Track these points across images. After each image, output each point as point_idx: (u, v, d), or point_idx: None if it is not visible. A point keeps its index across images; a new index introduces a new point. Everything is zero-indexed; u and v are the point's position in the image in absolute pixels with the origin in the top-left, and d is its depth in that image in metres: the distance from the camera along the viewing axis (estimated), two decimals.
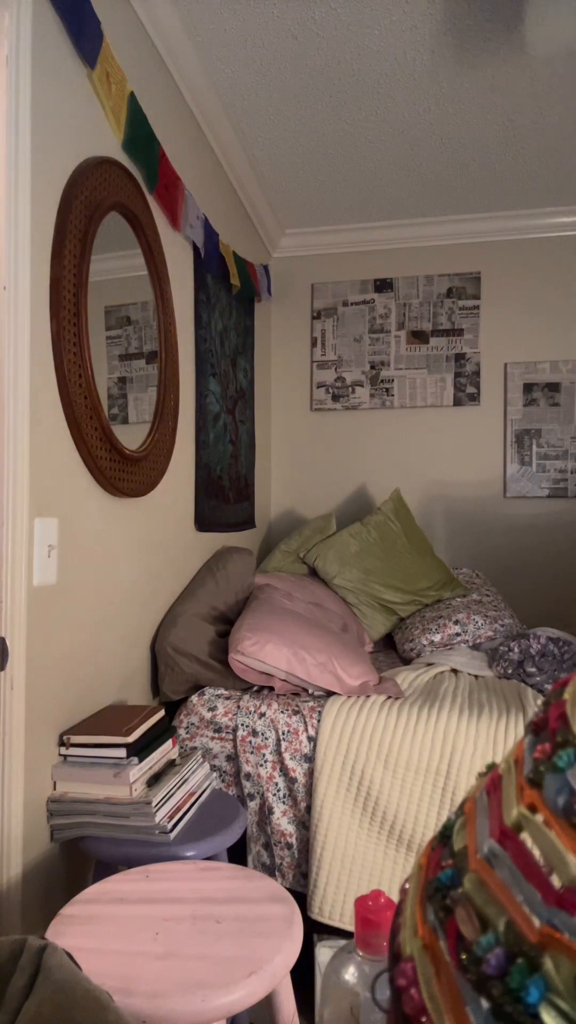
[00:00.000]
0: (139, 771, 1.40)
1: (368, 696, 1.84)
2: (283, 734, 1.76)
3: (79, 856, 1.55)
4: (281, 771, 1.75)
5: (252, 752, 1.77)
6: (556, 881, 0.28)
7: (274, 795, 1.74)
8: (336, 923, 1.65)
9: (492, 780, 0.35)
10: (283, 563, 2.77)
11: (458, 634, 2.42)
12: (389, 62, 2.11)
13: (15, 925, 1.31)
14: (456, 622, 2.45)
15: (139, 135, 1.79)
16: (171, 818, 1.37)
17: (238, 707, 1.83)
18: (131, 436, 1.76)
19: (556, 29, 1.90)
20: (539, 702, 1.81)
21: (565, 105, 2.32)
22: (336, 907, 1.65)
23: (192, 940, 1.00)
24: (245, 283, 2.70)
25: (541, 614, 3.13)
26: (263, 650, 1.84)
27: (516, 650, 2.18)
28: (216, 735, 1.82)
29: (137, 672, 1.86)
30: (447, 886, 0.33)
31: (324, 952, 1.45)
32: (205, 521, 2.36)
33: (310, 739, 1.74)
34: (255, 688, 1.93)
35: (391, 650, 2.70)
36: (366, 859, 1.66)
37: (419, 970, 0.32)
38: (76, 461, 1.53)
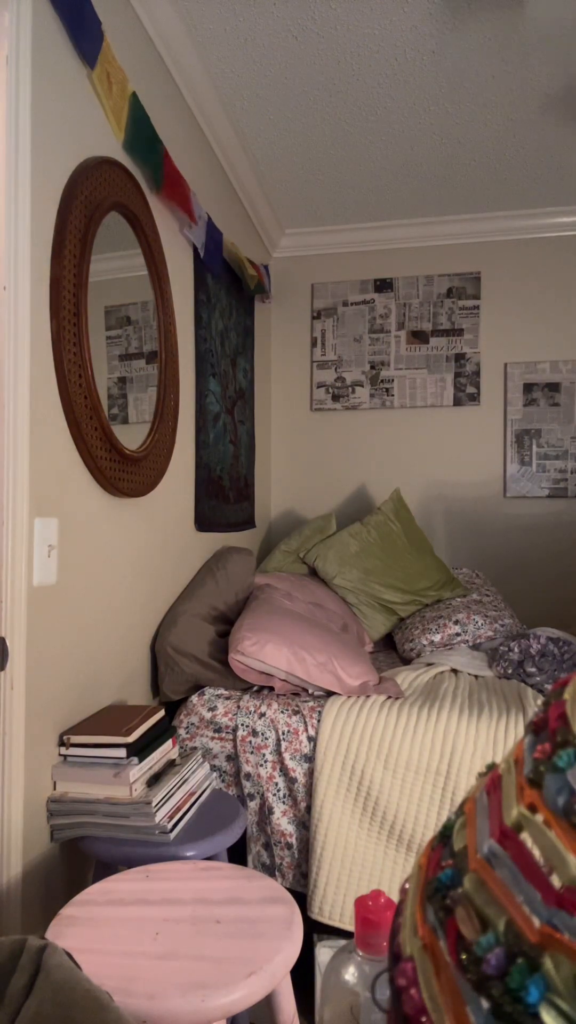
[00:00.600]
0: (139, 771, 1.40)
1: (368, 696, 1.84)
2: (283, 734, 1.76)
3: (79, 856, 1.55)
4: (281, 771, 1.75)
5: (252, 752, 1.77)
6: (556, 881, 0.28)
7: (274, 795, 1.74)
8: (336, 923, 1.65)
9: (492, 780, 0.35)
10: (283, 563, 2.77)
11: (458, 634, 2.42)
12: (389, 62, 2.11)
13: (15, 925, 1.31)
14: (456, 622, 2.45)
15: (142, 136, 1.79)
16: (171, 818, 1.37)
17: (238, 707, 1.83)
18: (131, 436, 1.76)
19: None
20: (539, 702, 1.81)
21: (565, 105, 2.32)
22: (336, 907, 1.65)
23: (192, 940, 1.00)
24: (256, 279, 2.71)
25: (541, 614, 3.13)
26: (263, 650, 1.84)
27: (516, 650, 2.18)
28: (216, 735, 1.82)
29: (137, 672, 1.86)
30: (447, 886, 0.33)
31: (324, 952, 1.45)
32: (205, 521, 2.36)
33: (310, 739, 1.74)
34: (255, 688, 1.93)
35: (391, 650, 2.70)
36: (366, 859, 1.66)
37: (419, 970, 0.32)
38: (76, 461, 1.53)
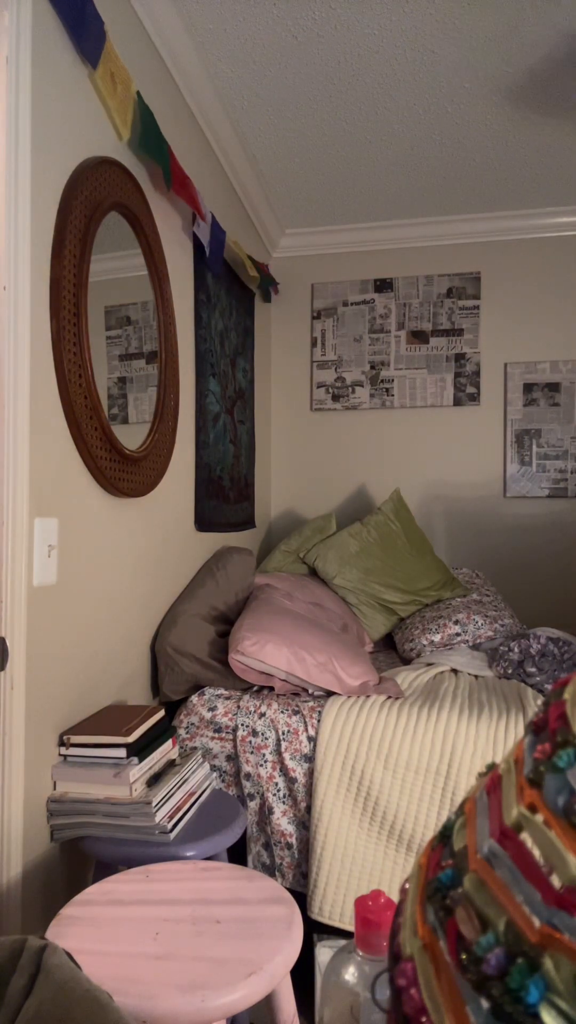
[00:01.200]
0: (139, 771, 1.40)
1: (368, 696, 1.84)
2: (283, 734, 1.76)
3: (79, 856, 1.55)
4: (281, 771, 1.75)
5: (252, 752, 1.77)
6: (556, 881, 0.28)
7: (274, 795, 1.74)
8: (336, 923, 1.65)
9: (492, 780, 0.35)
10: (283, 563, 2.77)
11: (458, 634, 2.42)
12: (389, 62, 2.11)
13: (15, 925, 1.31)
14: (456, 622, 2.45)
15: (149, 134, 1.79)
16: (171, 818, 1.37)
17: (238, 707, 1.83)
18: (131, 436, 1.76)
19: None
20: (539, 702, 1.81)
21: (566, 104, 2.32)
22: (336, 907, 1.65)
23: (192, 940, 1.00)
24: (262, 275, 2.71)
25: (541, 614, 3.13)
26: (263, 650, 1.84)
27: (516, 650, 2.18)
28: (216, 735, 1.82)
29: (137, 672, 1.86)
30: (447, 886, 0.33)
31: (324, 952, 1.45)
32: (205, 521, 2.36)
33: (310, 739, 1.74)
34: (255, 688, 1.93)
35: (391, 650, 2.70)
36: (366, 859, 1.66)
37: (419, 970, 0.32)
38: (76, 461, 1.53)
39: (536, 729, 0.34)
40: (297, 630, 1.95)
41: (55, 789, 1.43)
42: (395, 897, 1.60)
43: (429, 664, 2.27)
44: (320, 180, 2.84)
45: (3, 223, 1.28)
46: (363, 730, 1.71)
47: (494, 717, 1.71)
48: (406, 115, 2.38)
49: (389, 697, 1.84)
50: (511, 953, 0.28)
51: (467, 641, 2.43)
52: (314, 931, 1.69)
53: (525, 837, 0.30)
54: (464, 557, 3.21)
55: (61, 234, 1.44)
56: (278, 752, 1.76)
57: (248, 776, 1.76)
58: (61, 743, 1.46)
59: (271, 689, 1.92)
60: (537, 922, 0.28)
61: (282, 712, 1.79)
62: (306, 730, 1.75)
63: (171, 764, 1.54)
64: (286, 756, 1.74)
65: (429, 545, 2.86)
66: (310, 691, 1.91)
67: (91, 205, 1.55)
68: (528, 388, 3.14)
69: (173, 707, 2.03)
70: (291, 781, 1.73)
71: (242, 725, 1.79)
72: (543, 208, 3.06)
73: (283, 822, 1.73)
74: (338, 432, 3.35)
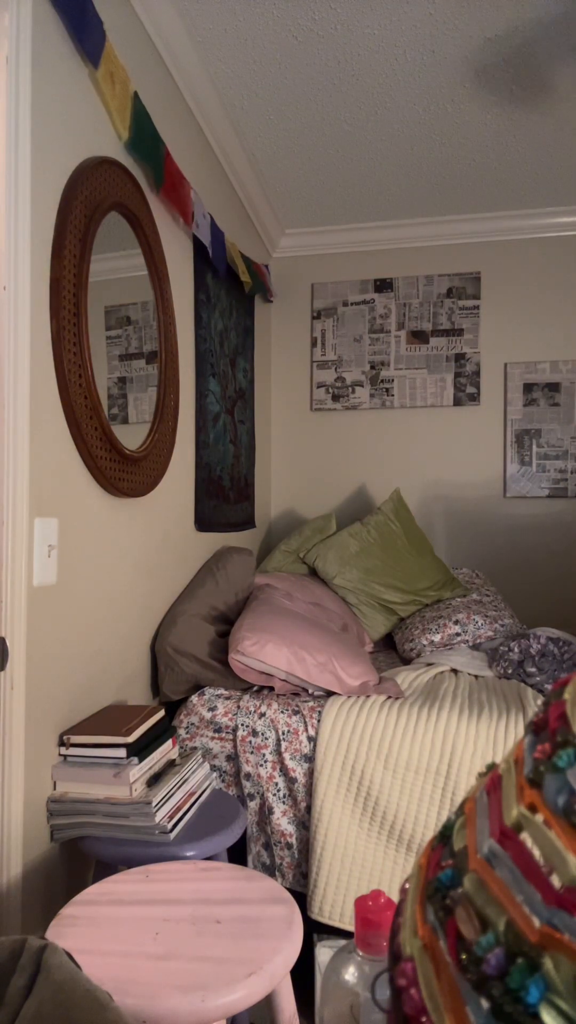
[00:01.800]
0: (139, 771, 1.40)
1: (368, 696, 1.84)
2: (283, 734, 1.76)
3: (79, 856, 1.55)
4: (281, 771, 1.75)
5: (252, 752, 1.77)
6: (556, 881, 0.28)
7: (274, 795, 1.74)
8: (336, 923, 1.65)
9: (492, 780, 0.35)
10: (283, 563, 2.77)
11: (458, 634, 2.42)
12: (389, 62, 2.11)
13: (15, 925, 1.31)
14: (456, 622, 2.45)
15: (144, 134, 1.79)
16: (171, 818, 1.37)
17: (238, 707, 1.83)
18: (131, 436, 1.76)
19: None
20: (539, 702, 1.81)
21: (566, 104, 2.32)
22: (336, 907, 1.65)
23: (192, 940, 1.00)
24: (255, 280, 2.71)
25: (541, 614, 3.13)
26: (263, 650, 1.84)
27: (516, 650, 2.18)
28: (216, 735, 1.82)
29: (137, 672, 1.86)
30: (447, 886, 0.33)
31: (324, 952, 1.45)
32: (205, 521, 2.36)
33: (310, 739, 1.74)
34: (255, 688, 1.93)
35: (391, 650, 2.70)
36: (366, 859, 1.66)
37: (419, 970, 0.32)
38: (76, 461, 1.53)
39: (536, 729, 0.34)
40: (297, 630, 1.95)
41: (55, 789, 1.43)
42: (395, 897, 1.60)
43: (429, 664, 2.27)
44: (320, 180, 2.84)
45: (3, 223, 1.28)
46: (363, 730, 1.71)
47: (494, 717, 1.71)
48: (406, 115, 2.38)
49: (389, 697, 1.84)
50: (511, 953, 0.28)
51: (467, 641, 2.43)
52: (314, 931, 1.69)
53: (525, 837, 0.30)
54: (464, 557, 3.21)
55: (61, 234, 1.44)
56: (278, 752, 1.76)
57: (248, 776, 1.76)
58: (61, 743, 1.46)
59: (271, 689, 1.92)
60: (537, 922, 0.28)
61: (282, 712, 1.79)
62: (306, 730, 1.75)
63: (171, 764, 1.54)
64: (286, 756, 1.74)
65: (429, 545, 2.86)
66: (310, 691, 1.91)
67: (91, 205, 1.55)
68: (528, 388, 3.14)
69: (173, 707, 2.03)
70: (291, 781, 1.73)
71: (242, 725, 1.79)
72: (543, 208, 3.06)
73: (283, 822, 1.73)
74: (338, 432, 3.35)
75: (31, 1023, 0.65)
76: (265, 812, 1.75)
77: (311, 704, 1.81)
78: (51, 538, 1.41)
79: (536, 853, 0.29)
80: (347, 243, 3.31)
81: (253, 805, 1.76)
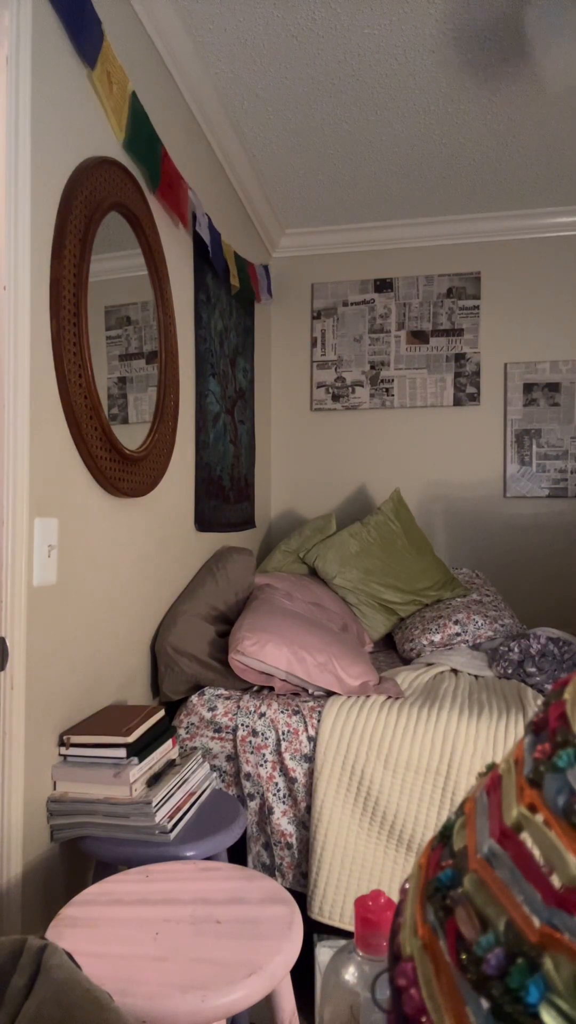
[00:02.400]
0: (139, 771, 1.40)
1: (368, 696, 1.84)
2: (283, 734, 1.76)
3: (79, 856, 1.55)
4: (281, 771, 1.75)
5: (252, 752, 1.77)
6: (556, 881, 0.28)
7: (274, 795, 1.74)
8: (336, 923, 1.65)
9: (492, 780, 0.35)
10: (283, 563, 2.77)
11: (458, 634, 2.42)
12: (389, 62, 2.11)
13: (15, 925, 1.31)
14: (456, 622, 2.45)
15: (141, 135, 1.79)
16: (171, 818, 1.37)
17: (238, 707, 1.83)
18: (131, 436, 1.76)
19: (567, 62, 1.90)
20: (539, 702, 1.81)
21: (566, 104, 2.32)
22: (336, 907, 1.65)
23: (192, 941, 1.00)
24: (244, 284, 2.71)
25: (541, 614, 3.13)
26: (263, 650, 1.84)
27: (516, 650, 2.18)
28: (216, 735, 1.82)
29: (137, 672, 1.86)
30: (447, 886, 0.33)
31: (324, 952, 1.45)
32: (205, 521, 2.36)
33: (310, 739, 1.74)
34: (255, 688, 1.93)
35: (391, 650, 2.70)
36: (366, 859, 1.66)
37: (419, 970, 0.32)
38: (76, 461, 1.53)
39: (536, 729, 0.34)
40: (297, 630, 1.95)
41: (55, 789, 1.43)
42: (395, 897, 1.60)
43: (429, 664, 2.27)
44: (320, 180, 2.84)
45: (3, 223, 1.28)
46: (363, 730, 1.71)
47: (494, 717, 1.71)
48: (406, 115, 2.38)
49: (389, 697, 1.84)
50: (511, 953, 0.28)
51: (467, 641, 2.43)
52: (314, 931, 1.69)
53: (525, 837, 0.30)
54: (464, 557, 3.21)
55: (61, 234, 1.44)
56: (278, 752, 1.76)
57: (248, 776, 1.76)
58: (61, 743, 1.46)
59: (271, 689, 1.92)
60: (537, 922, 0.28)
61: (282, 712, 1.79)
62: (306, 730, 1.75)
63: (171, 764, 1.54)
64: (286, 756, 1.74)
65: (429, 545, 2.86)
66: (310, 691, 1.91)
67: (91, 205, 1.55)
68: (528, 388, 3.14)
69: (173, 707, 2.03)
70: (291, 781, 1.73)
71: (242, 725, 1.79)
72: (543, 208, 3.06)
73: (283, 822, 1.73)
74: (338, 432, 3.35)
75: (31, 1023, 0.65)
76: (265, 812, 1.75)
77: (311, 704, 1.81)
78: (51, 538, 1.41)
79: (536, 853, 0.29)
80: (347, 243, 3.31)
81: (253, 805, 1.76)
